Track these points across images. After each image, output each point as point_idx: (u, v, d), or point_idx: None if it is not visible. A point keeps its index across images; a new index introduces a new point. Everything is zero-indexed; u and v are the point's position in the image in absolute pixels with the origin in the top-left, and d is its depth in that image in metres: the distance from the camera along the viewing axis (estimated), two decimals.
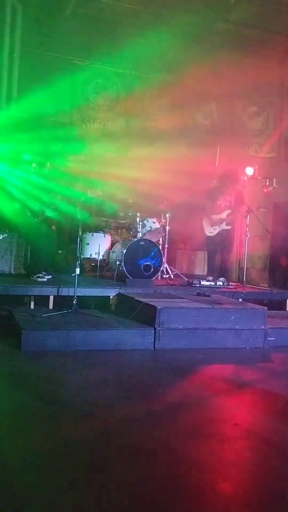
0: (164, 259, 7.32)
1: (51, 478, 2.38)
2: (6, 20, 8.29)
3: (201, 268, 8.69)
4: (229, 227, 7.61)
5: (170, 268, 7.63)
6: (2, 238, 6.90)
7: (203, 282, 7.11)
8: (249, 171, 8.27)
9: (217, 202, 7.60)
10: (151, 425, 3.14)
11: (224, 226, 7.57)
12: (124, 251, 6.83)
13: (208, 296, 6.30)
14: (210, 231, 7.61)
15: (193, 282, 7.11)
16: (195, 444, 2.88)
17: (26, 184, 7.01)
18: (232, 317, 5.45)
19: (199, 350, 5.10)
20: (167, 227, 7.60)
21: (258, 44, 9.47)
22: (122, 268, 6.81)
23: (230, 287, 7.19)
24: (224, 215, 7.56)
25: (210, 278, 7.34)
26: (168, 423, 3.18)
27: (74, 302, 5.56)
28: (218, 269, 7.76)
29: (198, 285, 7.00)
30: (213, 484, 2.41)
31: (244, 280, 7.63)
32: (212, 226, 7.58)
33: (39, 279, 6.56)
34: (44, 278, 6.63)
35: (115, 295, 6.34)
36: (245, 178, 8.27)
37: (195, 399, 3.73)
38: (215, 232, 7.58)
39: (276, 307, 7.15)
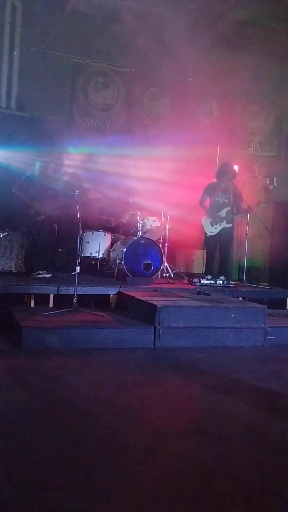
0: (164, 258, 7.32)
1: (52, 477, 2.39)
2: (6, 19, 8.29)
3: (200, 266, 8.69)
4: (230, 225, 7.59)
5: (170, 267, 7.63)
6: (3, 236, 6.90)
7: (203, 281, 7.11)
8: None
9: (215, 198, 7.57)
10: (151, 423, 3.15)
11: (224, 225, 7.54)
12: (125, 250, 6.83)
13: (208, 294, 6.31)
14: (211, 230, 7.56)
15: (193, 281, 7.11)
16: (195, 442, 2.89)
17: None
18: (232, 316, 5.45)
19: (199, 349, 5.10)
20: (167, 226, 7.60)
21: (259, 42, 9.46)
22: (122, 266, 6.81)
23: (230, 285, 7.19)
24: (223, 213, 7.53)
25: (209, 276, 7.34)
26: (168, 420, 3.19)
27: (74, 301, 5.56)
28: (217, 268, 7.74)
29: (198, 284, 7.01)
30: (213, 482, 2.42)
31: (244, 278, 7.63)
32: (212, 226, 7.54)
33: (39, 276, 6.57)
34: (44, 276, 6.63)
35: (115, 294, 6.34)
36: (245, 177, 8.27)
37: (195, 397, 3.74)
38: (216, 231, 7.54)
39: (276, 305, 7.16)
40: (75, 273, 5.73)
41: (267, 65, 9.92)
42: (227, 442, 2.92)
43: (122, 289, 6.32)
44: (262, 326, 5.52)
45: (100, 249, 7.26)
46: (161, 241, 7.57)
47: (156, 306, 5.19)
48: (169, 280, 7.30)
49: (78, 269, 5.77)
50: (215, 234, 7.57)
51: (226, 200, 7.55)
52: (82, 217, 5.98)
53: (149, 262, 7.02)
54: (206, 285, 7.01)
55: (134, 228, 7.37)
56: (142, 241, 7.09)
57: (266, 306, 5.76)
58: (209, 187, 7.68)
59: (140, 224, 7.31)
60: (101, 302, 6.38)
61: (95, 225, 7.66)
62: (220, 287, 7.03)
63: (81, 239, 5.96)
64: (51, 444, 2.74)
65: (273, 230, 8.37)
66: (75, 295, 5.61)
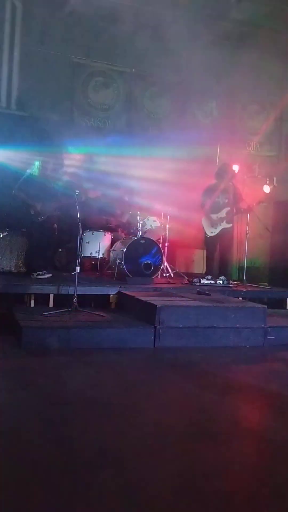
0: (164, 258, 7.32)
1: (52, 477, 2.39)
2: (6, 18, 8.28)
3: (200, 267, 8.69)
4: (230, 225, 7.59)
5: (170, 267, 7.63)
6: (3, 236, 6.89)
7: (203, 281, 7.11)
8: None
9: (215, 199, 7.56)
10: (151, 423, 3.14)
11: (225, 225, 7.54)
12: (125, 250, 6.83)
13: (208, 294, 6.31)
14: (211, 231, 7.56)
15: (193, 281, 7.11)
16: (195, 442, 2.89)
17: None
18: (232, 316, 5.45)
19: (199, 349, 5.10)
20: (167, 226, 7.60)
21: (259, 42, 9.46)
22: (122, 266, 6.81)
23: (230, 285, 7.19)
24: (223, 213, 7.53)
25: (209, 276, 7.34)
26: (168, 421, 3.19)
27: (74, 301, 5.56)
28: (217, 268, 7.74)
29: (198, 284, 7.01)
30: (214, 482, 2.42)
31: (244, 278, 7.62)
32: (212, 226, 7.54)
33: (39, 277, 6.57)
34: (44, 276, 6.63)
35: (115, 294, 6.34)
36: (245, 176, 8.27)
37: (195, 397, 3.73)
38: (217, 231, 7.54)
39: (276, 305, 7.15)
40: (75, 273, 5.73)
41: (267, 65, 9.90)
42: (227, 442, 2.92)
43: (122, 289, 6.32)
44: (262, 326, 5.51)
45: (100, 249, 7.27)
46: (161, 241, 7.57)
47: (156, 306, 5.19)
48: (169, 280, 7.31)
49: (78, 269, 5.77)
50: (215, 235, 7.57)
51: (226, 200, 7.55)
52: (82, 217, 5.98)
53: (149, 262, 7.02)
54: (206, 285, 7.01)
55: (134, 228, 7.37)
56: (142, 241, 7.09)
57: (266, 306, 5.76)
58: (209, 188, 7.68)
59: (140, 224, 7.31)
60: (101, 302, 6.38)
61: (95, 225, 7.66)
62: (220, 287, 7.03)
63: (81, 239, 5.96)
64: (50, 444, 2.74)
65: (273, 230, 8.37)
66: (75, 295, 5.60)
